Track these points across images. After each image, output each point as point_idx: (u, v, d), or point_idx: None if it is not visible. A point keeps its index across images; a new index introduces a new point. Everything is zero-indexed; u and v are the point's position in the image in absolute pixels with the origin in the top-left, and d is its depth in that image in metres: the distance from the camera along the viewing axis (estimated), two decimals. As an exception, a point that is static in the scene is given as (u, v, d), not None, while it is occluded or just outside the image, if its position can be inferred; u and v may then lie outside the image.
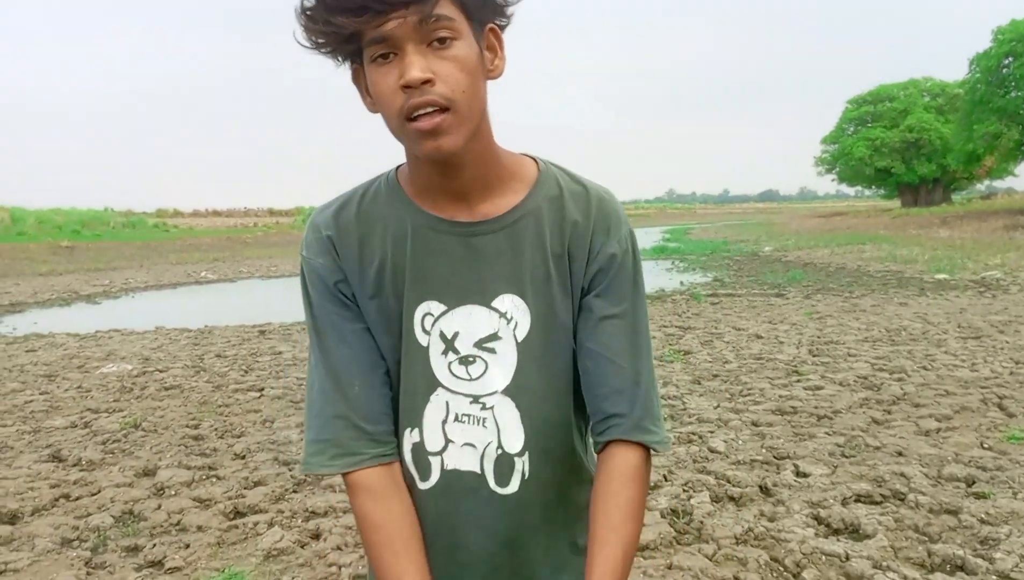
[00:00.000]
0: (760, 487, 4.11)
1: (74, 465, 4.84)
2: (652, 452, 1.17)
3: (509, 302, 1.15)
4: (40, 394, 6.95)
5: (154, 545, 3.61)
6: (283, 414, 5.95)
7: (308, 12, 1.01)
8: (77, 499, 4.24)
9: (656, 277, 16.95)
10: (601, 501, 1.15)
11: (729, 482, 4.16)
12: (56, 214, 36.39)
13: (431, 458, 1.17)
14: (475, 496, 1.17)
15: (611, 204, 1.19)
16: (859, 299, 11.90)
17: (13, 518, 4.00)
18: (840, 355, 7.55)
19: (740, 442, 4.89)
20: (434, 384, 1.16)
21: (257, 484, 4.40)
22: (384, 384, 1.18)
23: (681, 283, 15.70)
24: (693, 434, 5.05)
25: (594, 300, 1.17)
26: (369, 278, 1.15)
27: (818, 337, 8.60)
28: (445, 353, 1.15)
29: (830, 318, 9.98)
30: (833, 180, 56.13)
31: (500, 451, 1.17)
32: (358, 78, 1.09)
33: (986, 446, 4.66)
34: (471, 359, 1.15)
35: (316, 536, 3.71)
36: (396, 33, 0.99)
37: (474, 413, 1.16)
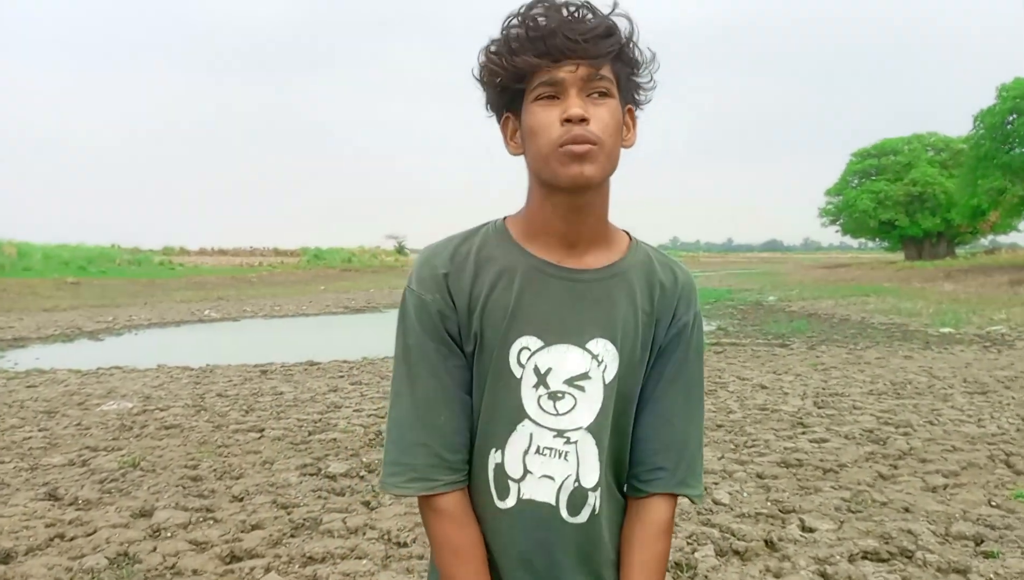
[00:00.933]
0: (765, 541, 4.04)
1: (70, 504, 4.78)
2: (691, 502, 1.28)
3: (602, 346, 1.26)
4: (39, 431, 6.90)
5: (148, 588, 3.56)
6: (283, 456, 5.89)
7: (493, 51, 1.19)
8: (72, 539, 4.18)
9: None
10: (638, 549, 1.29)
11: (734, 535, 4.10)
12: (63, 250, 36.54)
13: (510, 483, 1.26)
14: (548, 526, 1.26)
15: (691, 278, 1.35)
16: (863, 351, 11.86)
17: (7, 557, 3.94)
18: (845, 407, 7.50)
19: (745, 494, 4.83)
20: (521, 415, 1.25)
21: (255, 527, 4.34)
22: (467, 416, 1.27)
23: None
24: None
25: (664, 360, 1.31)
26: (476, 314, 1.24)
27: (823, 389, 8.55)
28: (536, 386, 1.25)
29: (834, 370, 9.94)
30: (837, 231, 56.38)
31: (577, 485, 1.26)
32: (506, 125, 1.26)
33: (994, 504, 4.60)
34: (560, 395, 1.25)
35: (313, 582, 3.65)
36: (567, 79, 1.15)
37: (557, 447, 1.25)
